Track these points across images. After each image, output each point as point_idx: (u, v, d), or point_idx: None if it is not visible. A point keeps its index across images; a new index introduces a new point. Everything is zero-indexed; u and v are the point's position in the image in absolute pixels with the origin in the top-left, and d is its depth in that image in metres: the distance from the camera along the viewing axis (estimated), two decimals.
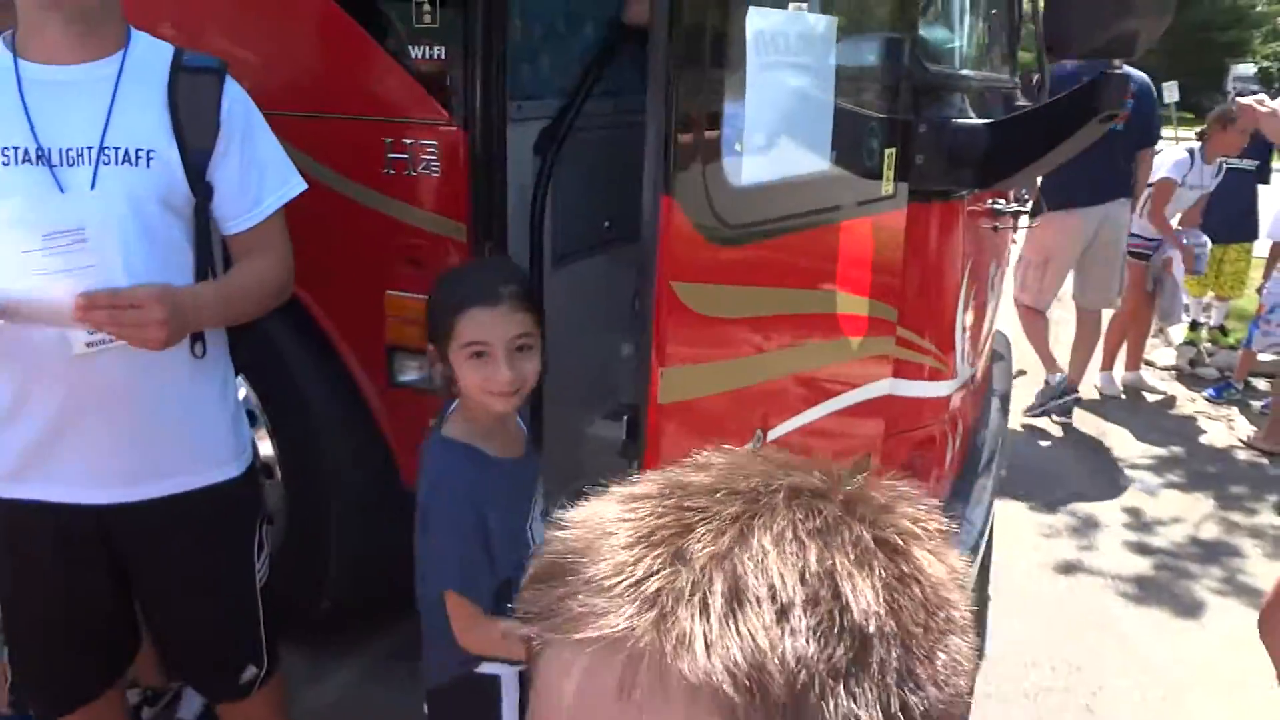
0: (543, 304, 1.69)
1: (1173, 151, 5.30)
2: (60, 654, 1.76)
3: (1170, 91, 8.18)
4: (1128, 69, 1.98)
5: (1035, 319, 5.02)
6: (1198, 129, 5.47)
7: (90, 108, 1.53)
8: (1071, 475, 4.35)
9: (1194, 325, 6.19)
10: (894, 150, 1.99)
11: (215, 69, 1.64)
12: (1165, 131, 6.10)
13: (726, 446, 0.53)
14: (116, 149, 1.52)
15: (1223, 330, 6.26)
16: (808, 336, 1.94)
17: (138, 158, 1.54)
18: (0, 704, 2.08)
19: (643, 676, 0.42)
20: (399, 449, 2.39)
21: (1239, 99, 2.51)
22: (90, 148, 1.51)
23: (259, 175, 1.67)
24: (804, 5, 1.74)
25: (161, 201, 1.57)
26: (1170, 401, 5.44)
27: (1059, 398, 4.94)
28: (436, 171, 2.17)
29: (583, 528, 0.48)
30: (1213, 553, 3.72)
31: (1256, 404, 5.28)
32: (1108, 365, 5.43)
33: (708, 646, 0.41)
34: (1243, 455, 4.71)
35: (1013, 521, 3.80)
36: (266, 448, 2.43)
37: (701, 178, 1.52)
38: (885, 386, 2.15)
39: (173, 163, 1.57)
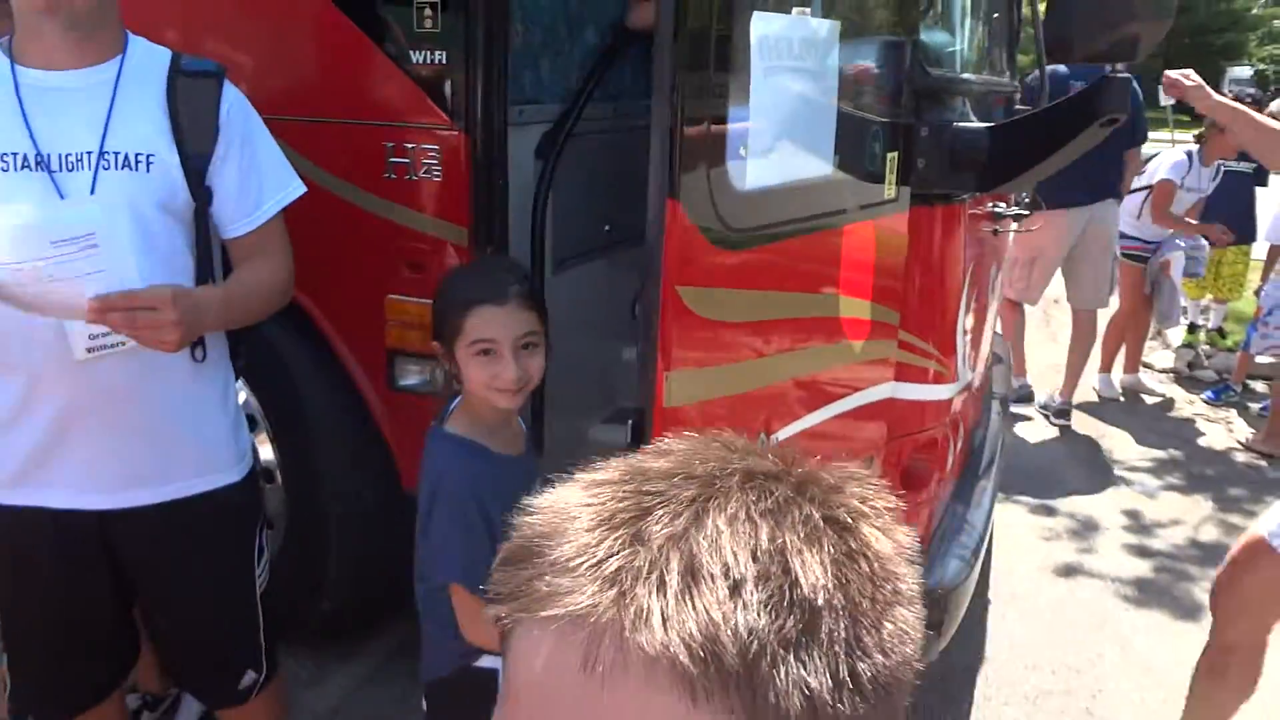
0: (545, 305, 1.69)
1: (1170, 154, 5.30)
2: (60, 660, 1.76)
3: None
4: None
5: (1012, 312, 5.04)
6: (1195, 132, 5.47)
7: (89, 113, 1.52)
8: (1070, 477, 4.35)
9: (1192, 328, 6.20)
10: (896, 154, 1.99)
11: (214, 73, 1.64)
12: (1162, 134, 6.10)
13: (688, 434, 0.56)
14: (116, 154, 1.52)
15: (1221, 333, 6.27)
16: (810, 340, 1.94)
17: (137, 162, 1.53)
18: (0, 711, 2.07)
19: (604, 651, 0.44)
20: (399, 453, 2.39)
21: (1168, 72, 2.50)
22: (90, 153, 1.51)
23: (258, 179, 1.66)
24: (807, 10, 1.75)
25: (161, 206, 1.56)
26: (1169, 404, 5.44)
27: (1050, 408, 5.00)
28: (438, 176, 2.17)
29: (549, 513, 0.51)
30: (1212, 555, 3.71)
31: (1255, 406, 5.29)
32: (1106, 367, 5.44)
33: (664, 621, 0.43)
34: (1241, 457, 4.72)
35: (1012, 524, 3.80)
36: (267, 452, 2.42)
37: (706, 181, 1.52)
38: (887, 390, 2.15)
39: (172, 167, 1.56)
